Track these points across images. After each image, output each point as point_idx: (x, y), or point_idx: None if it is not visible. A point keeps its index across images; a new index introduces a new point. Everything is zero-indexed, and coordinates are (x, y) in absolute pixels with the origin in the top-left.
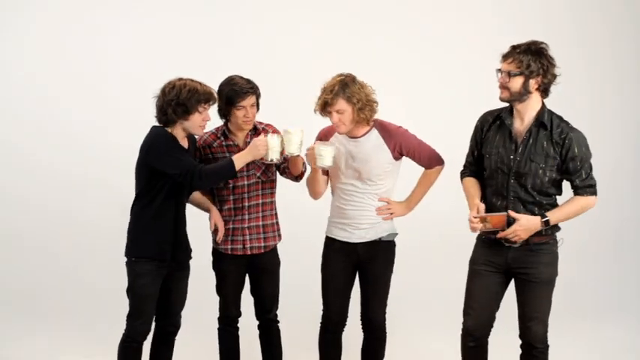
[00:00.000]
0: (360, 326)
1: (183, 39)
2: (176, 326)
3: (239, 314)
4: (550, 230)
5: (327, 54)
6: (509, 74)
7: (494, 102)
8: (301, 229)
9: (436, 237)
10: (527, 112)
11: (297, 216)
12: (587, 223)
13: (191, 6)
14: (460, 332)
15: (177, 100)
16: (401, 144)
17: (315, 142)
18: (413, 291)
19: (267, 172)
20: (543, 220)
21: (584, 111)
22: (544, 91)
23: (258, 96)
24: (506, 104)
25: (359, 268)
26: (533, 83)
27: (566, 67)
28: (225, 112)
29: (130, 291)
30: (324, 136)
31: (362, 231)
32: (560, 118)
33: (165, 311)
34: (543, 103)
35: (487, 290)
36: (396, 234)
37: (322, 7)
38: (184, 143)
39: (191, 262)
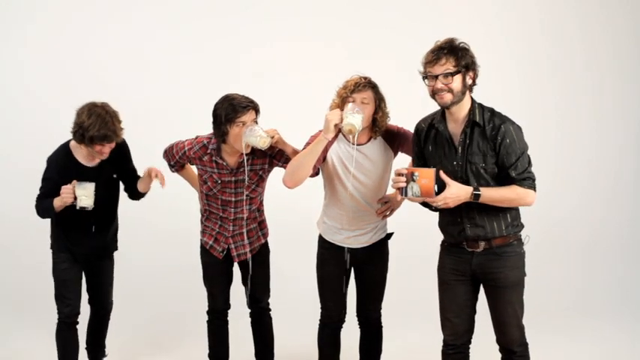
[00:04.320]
0: (357, 322)
1: (178, 46)
2: (106, 310)
3: (227, 307)
4: (512, 230)
5: (326, 58)
6: (451, 74)
7: (492, 101)
8: (293, 219)
9: (432, 230)
10: (461, 112)
11: (289, 206)
12: (589, 224)
13: (185, 15)
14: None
15: (78, 128)
16: (402, 144)
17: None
18: (409, 285)
19: (257, 189)
20: (474, 192)
21: (585, 112)
22: (471, 87)
23: (257, 112)
24: (437, 109)
25: (355, 268)
26: (468, 79)
27: (567, 67)
28: (222, 132)
29: (53, 276)
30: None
31: (363, 237)
32: (492, 112)
33: (95, 297)
34: (472, 99)
35: (459, 300)
36: (392, 233)
37: (321, 15)
38: (92, 159)
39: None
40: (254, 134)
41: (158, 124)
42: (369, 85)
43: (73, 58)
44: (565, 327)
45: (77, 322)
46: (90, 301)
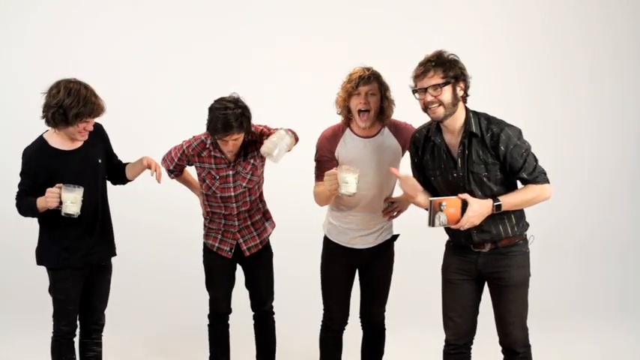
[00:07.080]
0: (359, 324)
1: (179, 40)
2: (100, 324)
3: (229, 311)
4: (518, 231)
5: (327, 57)
6: (440, 86)
7: (492, 100)
8: (296, 218)
9: (435, 230)
10: (456, 124)
11: (292, 205)
12: (588, 224)
13: (184, 13)
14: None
15: (57, 108)
16: (408, 141)
17: (337, 167)
18: (411, 285)
19: (252, 178)
20: (495, 204)
21: (585, 112)
22: (464, 97)
23: (246, 131)
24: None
25: (360, 269)
26: (458, 90)
27: (567, 67)
28: (211, 135)
29: (51, 292)
30: (331, 135)
31: (369, 237)
32: (488, 119)
33: (88, 310)
34: (467, 109)
35: (462, 300)
36: (398, 235)
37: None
38: (74, 141)
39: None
40: (281, 152)
41: (156, 123)
42: (373, 76)
43: (65, 58)
44: (565, 327)
45: (75, 334)
46: (82, 316)
